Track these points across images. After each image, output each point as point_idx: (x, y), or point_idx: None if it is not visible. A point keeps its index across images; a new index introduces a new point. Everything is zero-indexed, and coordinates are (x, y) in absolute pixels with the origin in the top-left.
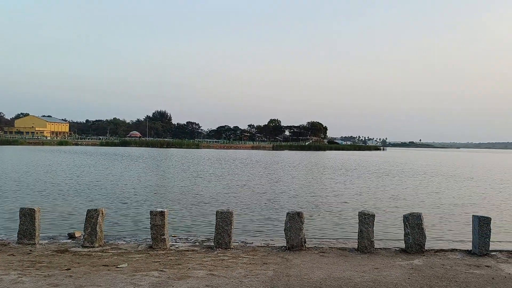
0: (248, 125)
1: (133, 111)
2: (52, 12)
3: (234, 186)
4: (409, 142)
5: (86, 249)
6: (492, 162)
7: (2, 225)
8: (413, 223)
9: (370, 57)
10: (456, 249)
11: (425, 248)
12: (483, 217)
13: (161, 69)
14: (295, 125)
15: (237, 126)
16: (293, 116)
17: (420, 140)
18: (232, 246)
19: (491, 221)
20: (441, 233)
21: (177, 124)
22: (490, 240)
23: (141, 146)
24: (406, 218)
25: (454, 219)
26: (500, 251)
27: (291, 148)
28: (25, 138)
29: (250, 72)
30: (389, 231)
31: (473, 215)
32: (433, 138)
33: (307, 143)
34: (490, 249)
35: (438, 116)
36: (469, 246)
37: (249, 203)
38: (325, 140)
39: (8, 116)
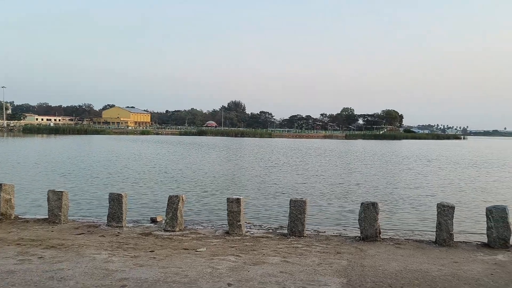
0: (321, 114)
1: (210, 101)
2: (137, 14)
3: (308, 176)
4: (493, 130)
5: (167, 233)
6: None
7: (93, 209)
8: (497, 216)
9: (445, 41)
10: None
11: (510, 244)
12: None
13: (235, 59)
14: (369, 113)
15: (309, 115)
16: (367, 105)
17: (505, 128)
18: (305, 235)
19: None
20: None
21: (251, 113)
22: None
23: (216, 135)
24: (489, 211)
25: None
26: None
27: (364, 137)
28: (111, 127)
29: (323, 61)
30: (470, 225)
31: None
32: None
33: (381, 132)
34: None
35: None
36: None
37: (323, 193)
38: (400, 128)
39: (97, 107)
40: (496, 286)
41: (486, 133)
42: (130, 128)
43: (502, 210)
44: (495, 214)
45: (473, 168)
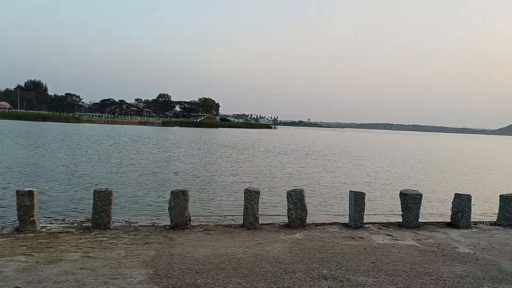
0: (135, 99)
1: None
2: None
3: (123, 165)
4: (299, 121)
5: None
6: (373, 140)
7: None
8: (296, 199)
9: (267, 34)
10: (335, 223)
11: (307, 223)
12: (358, 192)
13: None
14: (186, 100)
15: (123, 100)
16: (184, 92)
17: (308, 119)
18: (112, 227)
19: (365, 195)
20: (323, 208)
21: (54, 95)
22: (365, 213)
23: (10, 119)
24: (289, 194)
25: (335, 194)
26: (373, 223)
27: (182, 124)
28: None
29: (139, 42)
30: (275, 208)
31: (350, 191)
32: (321, 118)
33: (198, 119)
34: (364, 221)
35: (325, 96)
36: (346, 220)
37: (137, 182)
38: (217, 117)
39: None
40: (292, 261)
41: (293, 123)
42: None
43: (300, 193)
44: (294, 197)
45: (283, 156)
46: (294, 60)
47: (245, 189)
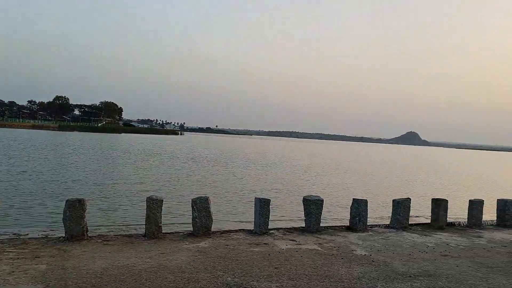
0: (28, 101)
1: None
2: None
3: (8, 173)
4: (206, 127)
5: None
6: (280, 147)
7: None
8: (201, 207)
9: (173, 41)
10: (241, 230)
11: (212, 231)
12: (264, 199)
13: None
14: (86, 104)
15: (13, 101)
16: (83, 95)
17: (216, 126)
18: None
19: (270, 202)
20: (229, 215)
21: None
22: (270, 219)
23: None
24: (194, 202)
25: (242, 202)
26: (278, 229)
27: (81, 129)
28: None
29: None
30: (180, 216)
31: (255, 198)
32: (229, 125)
33: (100, 124)
34: (269, 228)
35: (235, 104)
36: (252, 227)
37: (29, 191)
38: (120, 122)
39: None
40: (197, 270)
41: (200, 130)
42: None
43: (205, 200)
44: (198, 205)
45: (190, 163)
46: (202, 65)
47: (147, 197)
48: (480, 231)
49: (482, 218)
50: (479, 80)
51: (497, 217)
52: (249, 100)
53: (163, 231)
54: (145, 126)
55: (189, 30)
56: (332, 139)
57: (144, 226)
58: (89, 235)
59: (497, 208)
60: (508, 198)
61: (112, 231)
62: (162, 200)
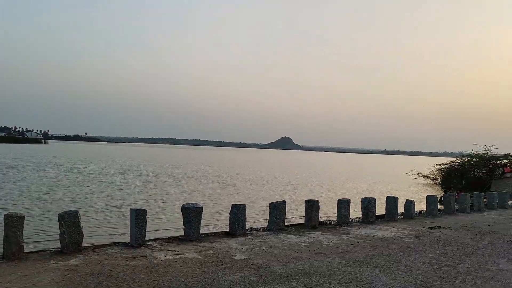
0: None
1: None
2: None
3: None
4: (74, 135)
5: None
6: (155, 155)
7: None
8: (69, 222)
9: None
10: (116, 243)
11: (83, 246)
12: (140, 209)
13: None
14: None
15: None
16: None
17: (86, 133)
18: None
19: (147, 212)
20: (103, 228)
21: None
22: (147, 230)
23: None
24: (61, 217)
25: (115, 214)
26: (156, 239)
27: None
28: None
29: None
30: (46, 233)
31: (130, 209)
32: (100, 132)
33: None
34: (146, 239)
35: (104, 109)
36: (128, 239)
37: None
38: None
39: None
40: None
41: (68, 138)
42: None
43: (74, 214)
44: (67, 219)
45: (59, 174)
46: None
47: (5, 215)
48: (348, 228)
49: (349, 216)
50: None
51: (362, 214)
52: (121, 105)
53: (25, 251)
54: (1, 134)
55: (57, 27)
56: (210, 145)
57: (1, 246)
58: None
59: (361, 206)
60: (370, 197)
61: None
62: (24, 217)
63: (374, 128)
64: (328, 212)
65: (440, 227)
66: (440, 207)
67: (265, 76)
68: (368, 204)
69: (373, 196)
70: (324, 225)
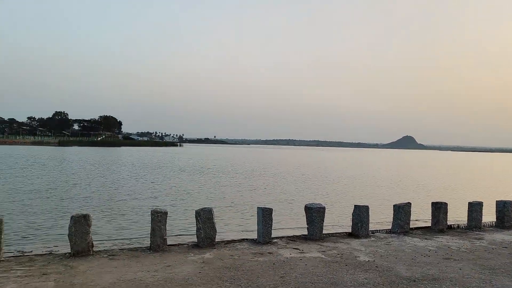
0: (28, 118)
1: None
2: None
3: (11, 189)
4: (205, 138)
5: None
6: (278, 156)
7: None
8: (205, 218)
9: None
10: (245, 239)
11: (216, 241)
12: (266, 208)
13: None
14: (85, 119)
15: (13, 118)
16: (83, 110)
17: (214, 136)
18: (2, 259)
19: (273, 211)
20: (233, 225)
21: None
22: (273, 228)
23: None
24: (198, 213)
25: (245, 211)
26: (281, 237)
27: (81, 143)
28: None
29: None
30: (184, 228)
31: (257, 207)
32: (226, 135)
33: (99, 138)
34: (272, 236)
35: (230, 114)
36: (256, 236)
37: (31, 208)
38: (119, 135)
39: None
40: (203, 282)
41: (199, 141)
42: None
43: (209, 211)
44: (202, 216)
45: (185, 174)
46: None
47: (152, 210)
48: (480, 233)
49: (481, 220)
50: (475, 82)
51: (497, 218)
52: (246, 110)
53: (168, 244)
54: (145, 138)
55: (185, 42)
56: (329, 146)
57: (149, 239)
58: (94, 250)
59: (496, 209)
60: (507, 200)
61: (117, 246)
62: (167, 213)
63: None
64: (456, 215)
65: None
66: None
67: None
68: (503, 207)
69: (509, 200)
70: (452, 229)
